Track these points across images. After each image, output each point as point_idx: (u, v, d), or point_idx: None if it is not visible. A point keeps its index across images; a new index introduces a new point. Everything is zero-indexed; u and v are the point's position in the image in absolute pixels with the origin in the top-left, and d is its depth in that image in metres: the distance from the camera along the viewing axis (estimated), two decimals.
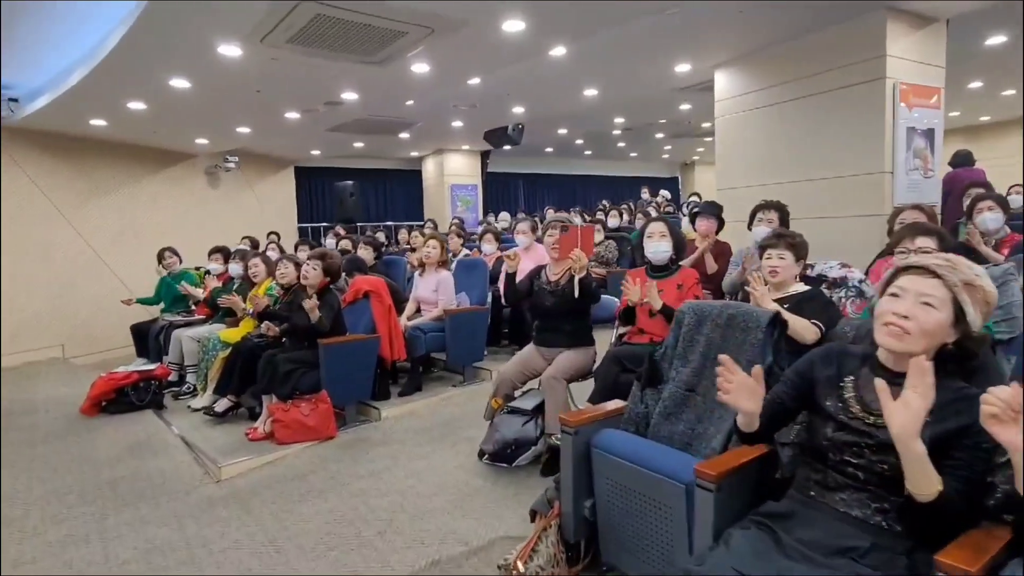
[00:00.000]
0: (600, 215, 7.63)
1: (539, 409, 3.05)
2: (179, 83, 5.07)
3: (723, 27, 4.58)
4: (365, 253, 5.42)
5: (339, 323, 3.89)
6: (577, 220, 5.72)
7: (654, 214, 7.30)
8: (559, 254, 3.00)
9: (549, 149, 12.57)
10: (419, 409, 4.10)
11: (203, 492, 3.01)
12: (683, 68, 5.66)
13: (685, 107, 7.73)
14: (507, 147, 9.74)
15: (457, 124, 8.15)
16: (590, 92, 6.58)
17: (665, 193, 11.16)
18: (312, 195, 11.89)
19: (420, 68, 4.90)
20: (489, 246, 5.89)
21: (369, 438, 3.63)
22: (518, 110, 7.32)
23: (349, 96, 5.80)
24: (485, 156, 11.12)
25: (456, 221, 8.84)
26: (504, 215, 10.11)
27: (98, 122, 6.32)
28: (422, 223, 10.90)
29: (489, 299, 4.86)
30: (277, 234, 8.33)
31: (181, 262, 5.78)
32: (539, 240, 5.28)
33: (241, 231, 7.58)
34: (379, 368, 4.08)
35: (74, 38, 4.64)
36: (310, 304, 3.61)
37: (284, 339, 3.94)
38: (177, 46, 4.23)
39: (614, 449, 1.95)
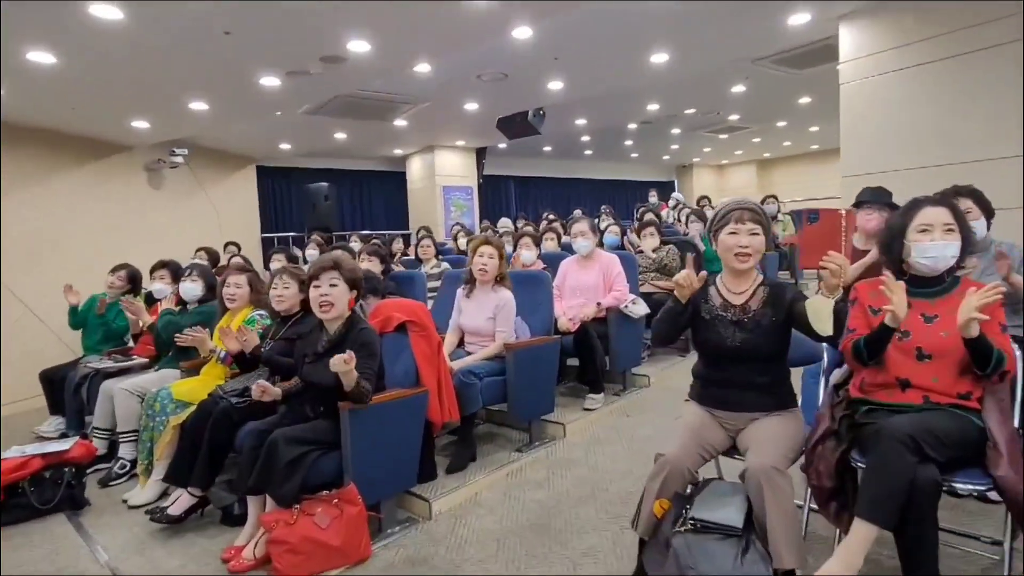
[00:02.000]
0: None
1: (749, 522, 1.80)
2: (103, 10, 3.37)
3: None
4: (369, 266, 3.99)
5: (383, 377, 2.50)
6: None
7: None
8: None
9: (547, 148, 11.35)
10: (483, 494, 2.80)
11: None
12: (799, 19, 4.55)
13: (738, 89, 6.61)
14: (502, 145, 8.48)
15: (470, 106, 6.74)
16: (658, 58, 5.33)
17: (678, 195, 10.13)
18: (277, 200, 10.18)
19: None
20: (529, 253, 4.61)
21: (427, 558, 2.26)
22: (555, 86, 6.00)
23: (357, 47, 4.21)
24: (481, 154, 9.79)
25: (459, 226, 7.57)
26: (504, 221, 8.90)
27: None
28: (408, 231, 9.67)
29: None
30: (238, 245, 6.74)
31: (137, 289, 4.15)
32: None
33: (192, 242, 5.91)
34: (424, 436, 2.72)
35: None
36: (343, 365, 2.15)
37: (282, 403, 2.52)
38: None
39: None
